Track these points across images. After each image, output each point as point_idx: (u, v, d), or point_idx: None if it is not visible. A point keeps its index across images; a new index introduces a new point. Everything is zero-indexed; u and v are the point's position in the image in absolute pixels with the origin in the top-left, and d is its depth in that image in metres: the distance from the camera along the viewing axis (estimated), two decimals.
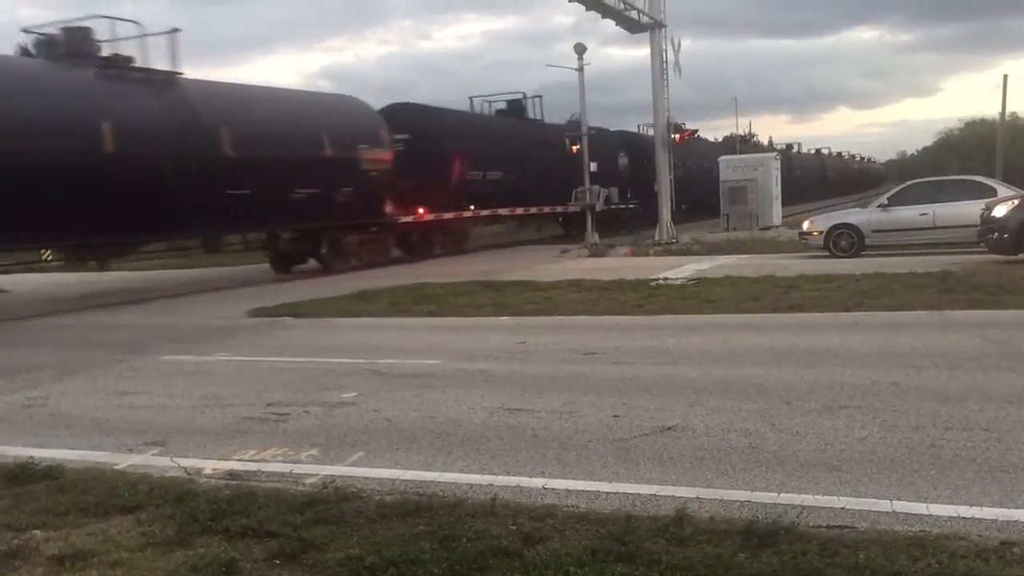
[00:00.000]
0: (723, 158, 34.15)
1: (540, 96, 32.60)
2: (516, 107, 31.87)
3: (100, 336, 12.06)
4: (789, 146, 65.91)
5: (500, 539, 3.84)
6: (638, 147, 36.72)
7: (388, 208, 22.93)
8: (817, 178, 64.00)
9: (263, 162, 18.50)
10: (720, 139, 55.56)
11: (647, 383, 7.16)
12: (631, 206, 35.11)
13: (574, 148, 28.79)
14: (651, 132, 40.35)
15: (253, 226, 20.10)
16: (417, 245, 24.89)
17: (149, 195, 16.32)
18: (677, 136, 31.14)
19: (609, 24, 27.09)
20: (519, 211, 29.99)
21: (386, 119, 23.82)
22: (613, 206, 32.10)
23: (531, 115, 32.00)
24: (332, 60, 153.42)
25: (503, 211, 29.07)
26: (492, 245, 30.10)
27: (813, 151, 72.71)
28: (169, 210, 16.82)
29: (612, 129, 38.74)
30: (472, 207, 26.85)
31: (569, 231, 36.21)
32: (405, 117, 24.87)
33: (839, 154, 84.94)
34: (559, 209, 31.47)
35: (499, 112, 31.44)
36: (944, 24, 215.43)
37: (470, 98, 31.23)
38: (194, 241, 20.24)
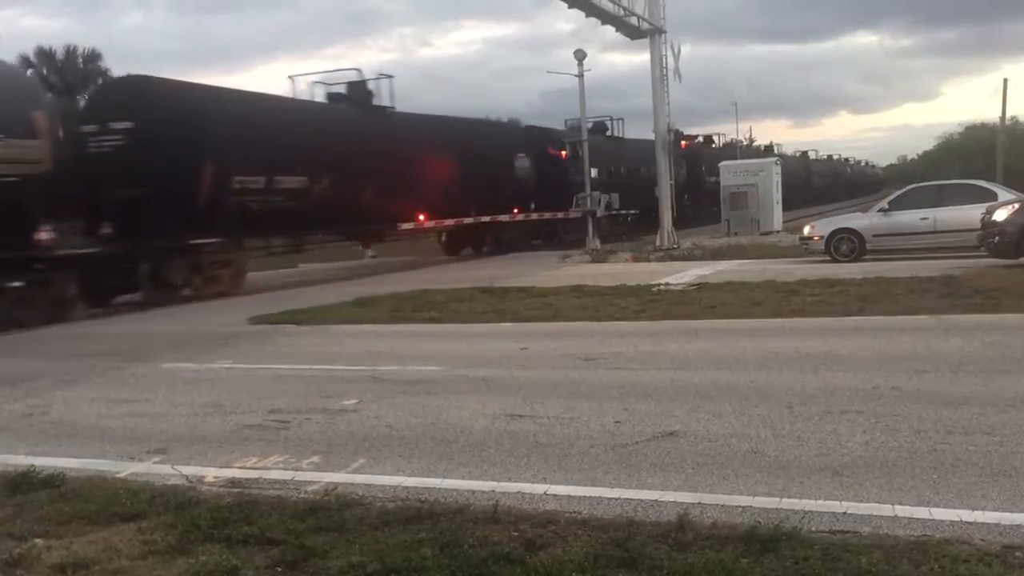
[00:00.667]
0: (724, 163, 34.16)
1: (391, 76, 24.31)
2: (358, 91, 23.66)
3: (101, 344, 12.06)
4: (768, 148, 59.34)
5: (502, 545, 3.85)
6: (545, 146, 31.29)
7: (44, 234, 14.65)
8: (802, 184, 57.37)
9: None
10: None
11: (649, 389, 7.16)
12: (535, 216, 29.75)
13: (563, 154, 28.76)
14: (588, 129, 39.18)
15: None
16: (146, 284, 16.92)
17: None
18: (684, 143, 31.11)
19: (609, 30, 27.17)
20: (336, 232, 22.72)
21: (99, 99, 17.66)
22: (615, 212, 31.86)
23: (379, 102, 24.18)
24: (332, 68, 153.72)
25: (311, 236, 21.37)
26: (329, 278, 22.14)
27: (799, 154, 66.72)
28: None
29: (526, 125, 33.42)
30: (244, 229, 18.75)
31: (457, 251, 29.37)
32: (130, 97, 17.07)
33: (829, 157, 79.62)
34: (449, 222, 26.01)
35: (333, 96, 23.55)
36: (944, 28, 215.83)
37: (290, 77, 23.94)
38: None
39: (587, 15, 25.61)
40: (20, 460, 5.77)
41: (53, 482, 5.13)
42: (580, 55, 27.36)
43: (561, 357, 8.88)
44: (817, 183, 66.18)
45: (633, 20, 26.63)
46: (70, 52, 41.75)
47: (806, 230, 20.07)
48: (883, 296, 11.86)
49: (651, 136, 28.43)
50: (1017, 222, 14.82)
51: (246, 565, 3.79)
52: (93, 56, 42.43)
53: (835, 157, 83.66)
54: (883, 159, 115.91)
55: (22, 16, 76.04)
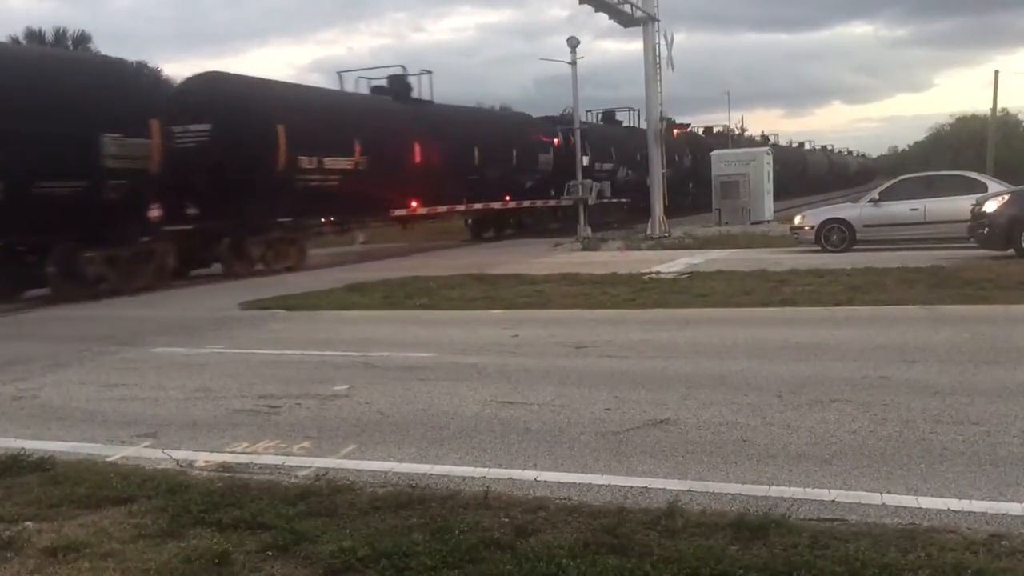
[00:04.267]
0: (715, 153, 34.18)
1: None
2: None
3: (92, 328, 12.02)
4: (764, 138, 57.03)
5: (492, 531, 3.86)
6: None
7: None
8: (795, 174, 55.62)
9: None
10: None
11: (639, 377, 7.18)
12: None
13: (556, 141, 28.79)
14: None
15: None
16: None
17: None
18: (675, 131, 31.06)
19: (603, 17, 27.06)
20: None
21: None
22: (606, 200, 31.84)
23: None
24: (324, 53, 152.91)
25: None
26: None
27: (795, 144, 65.45)
28: None
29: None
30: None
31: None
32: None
33: (823, 148, 78.47)
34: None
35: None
36: (938, 19, 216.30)
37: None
38: None
39: (581, 2, 25.49)
40: (10, 443, 5.76)
41: (43, 465, 5.12)
42: (573, 43, 27.30)
43: (552, 345, 8.90)
44: (809, 173, 65.42)
45: (626, 8, 26.51)
46: (59, 34, 41.18)
47: (797, 220, 20.10)
48: (873, 286, 11.91)
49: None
50: (1006, 213, 14.91)
51: (237, 549, 3.80)
52: (83, 39, 41.93)
53: (827, 147, 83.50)
54: (875, 149, 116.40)
55: None
